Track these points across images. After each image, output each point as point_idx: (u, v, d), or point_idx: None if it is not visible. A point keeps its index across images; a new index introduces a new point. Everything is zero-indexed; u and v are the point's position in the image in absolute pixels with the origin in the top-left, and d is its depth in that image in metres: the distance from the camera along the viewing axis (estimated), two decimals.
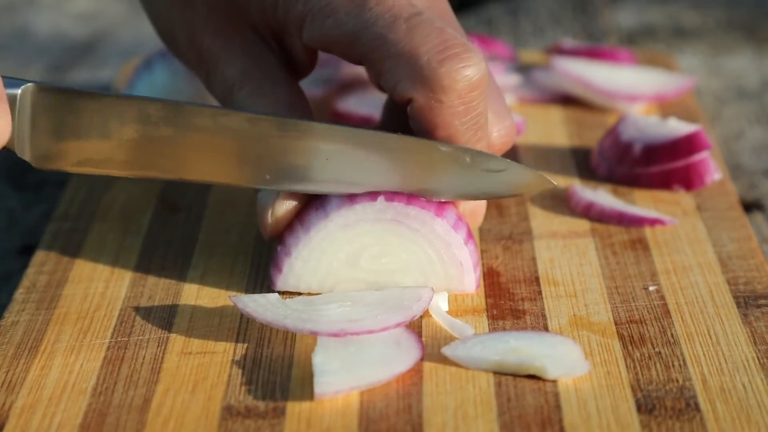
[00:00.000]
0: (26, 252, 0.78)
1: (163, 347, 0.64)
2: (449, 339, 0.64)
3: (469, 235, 0.67)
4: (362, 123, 0.85)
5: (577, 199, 0.76)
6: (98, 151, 0.65)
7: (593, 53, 0.94)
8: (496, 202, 0.76)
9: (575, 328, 0.65)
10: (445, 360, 0.62)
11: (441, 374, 0.61)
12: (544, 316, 0.66)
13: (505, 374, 0.61)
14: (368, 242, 0.66)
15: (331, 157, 0.65)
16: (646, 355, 0.62)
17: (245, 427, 0.58)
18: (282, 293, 0.67)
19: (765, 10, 1.15)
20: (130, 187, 0.78)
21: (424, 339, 0.64)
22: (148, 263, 0.71)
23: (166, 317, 0.66)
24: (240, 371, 0.62)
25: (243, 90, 0.69)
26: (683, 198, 0.77)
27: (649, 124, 0.80)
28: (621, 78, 0.89)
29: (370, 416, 0.58)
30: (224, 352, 0.63)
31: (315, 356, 0.61)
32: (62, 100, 0.65)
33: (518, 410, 0.59)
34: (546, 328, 0.65)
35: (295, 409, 0.59)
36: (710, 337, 0.64)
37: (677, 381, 0.61)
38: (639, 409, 0.59)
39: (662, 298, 0.67)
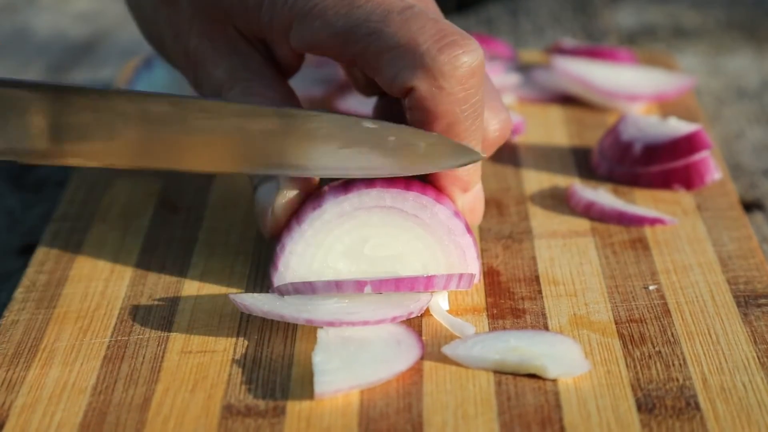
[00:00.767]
0: (26, 252, 0.78)
1: (163, 346, 0.64)
2: (449, 338, 0.64)
3: (469, 228, 0.67)
4: None
5: (577, 199, 0.76)
6: (94, 146, 0.65)
7: (593, 53, 0.94)
8: (496, 202, 0.76)
9: (575, 327, 0.65)
10: (445, 359, 0.62)
11: (441, 373, 0.61)
12: (544, 315, 0.66)
13: (506, 373, 0.61)
14: (368, 233, 0.66)
15: (266, 138, 0.65)
16: (647, 354, 0.62)
17: (245, 426, 0.58)
18: None
19: (765, 10, 1.15)
20: (130, 187, 0.78)
21: (424, 338, 0.64)
22: (147, 263, 0.71)
23: (166, 316, 0.66)
24: (240, 370, 0.62)
25: (232, 90, 0.69)
26: (683, 197, 0.77)
27: (649, 123, 0.80)
28: (621, 78, 0.89)
29: (371, 415, 0.58)
30: (224, 351, 0.63)
31: (315, 355, 0.61)
32: (57, 98, 0.64)
33: (518, 409, 0.59)
34: (546, 328, 0.65)
35: (295, 408, 0.59)
36: (710, 336, 0.64)
37: (677, 380, 0.61)
38: (639, 408, 0.59)
39: (662, 297, 0.67)
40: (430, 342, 0.63)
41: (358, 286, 0.64)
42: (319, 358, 0.61)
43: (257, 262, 0.70)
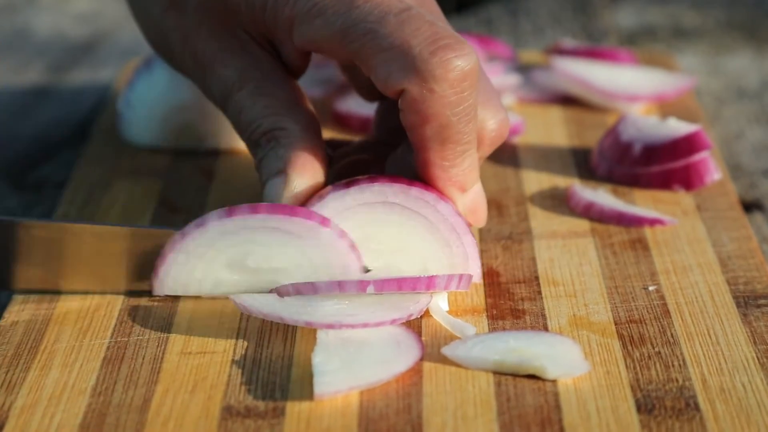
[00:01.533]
0: None
1: (162, 347, 0.64)
2: (449, 339, 0.64)
3: (469, 229, 0.67)
4: (361, 124, 0.85)
5: (577, 199, 0.76)
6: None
7: (593, 53, 0.94)
8: (496, 202, 0.76)
9: (575, 327, 0.65)
10: (444, 360, 0.62)
11: (441, 374, 0.61)
12: (543, 315, 0.66)
13: (505, 374, 0.61)
14: (371, 231, 0.66)
15: None
16: (646, 354, 0.62)
17: (245, 427, 0.58)
18: None
19: (765, 10, 1.15)
20: (130, 187, 0.78)
21: (423, 339, 0.64)
22: None
23: (165, 317, 0.66)
24: (240, 371, 0.62)
25: (242, 90, 0.69)
26: (683, 198, 0.77)
27: (649, 124, 0.80)
28: (621, 78, 0.89)
29: (370, 416, 0.58)
30: (224, 352, 0.63)
31: (315, 356, 0.61)
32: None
33: (518, 410, 0.59)
34: (546, 328, 0.65)
35: (294, 409, 0.59)
36: (710, 336, 0.64)
37: (677, 381, 0.61)
38: (639, 409, 0.59)
39: (662, 298, 0.67)
40: (429, 343, 0.63)
41: (361, 286, 0.64)
42: (318, 359, 0.61)
43: None
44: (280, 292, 0.65)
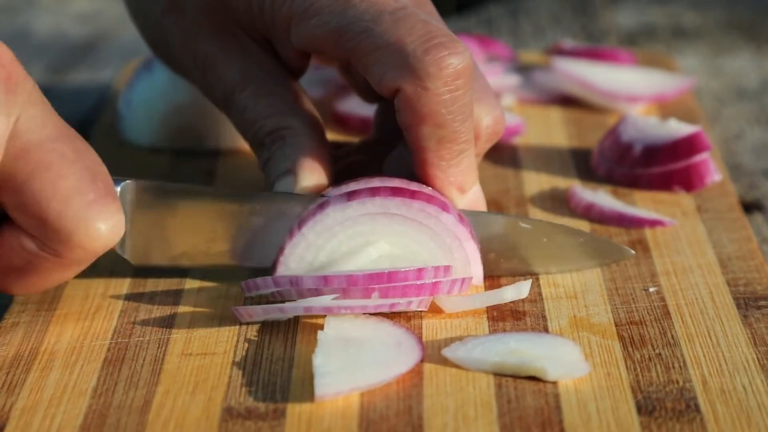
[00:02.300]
0: None
1: (163, 348, 0.64)
2: (449, 340, 0.64)
3: (473, 234, 0.67)
4: (361, 124, 0.85)
5: (577, 200, 0.76)
6: (194, 245, 0.67)
7: (593, 54, 0.94)
8: (496, 203, 0.76)
9: (575, 329, 0.65)
10: (445, 361, 0.62)
11: (441, 375, 0.61)
12: (544, 317, 0.66)
13: (506, 375, 0.61)
14: (374, 239, 0.66)
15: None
16: (647, 356, 0.62)
17: (245, 428, 0.58)
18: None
19: (765, 10, 1.15)
20: None
21: (424, 340, 0.64)
22: None
23: (166, 318, 0.66)
24: (240, 373, 0.62)
25: (245, 90, 0.69)
26: (683, 199, 0.77)
27: (649, 124, 0.80)
28: (621, 78, 0.89)
29: (371, 417, 0.58)
30: (224, 354, 0.63)
31: (315, 357, 0.61)
32: (159, 196, 0.66)
33: (518, 411, 0.59)
34: (546, 330, 0.65)
35: (295, 410, 0.59)
36: (710, 338, 0.64)
37: (677, 382, 0.61)
38: (639, 410, 0.59)
39: (662, 299, 0.67)
40: (430, 344, 0.63)
41: (366, 292, 0.64)
42: (319, 361, 0.61)
43: None
44: (280, 293, 0.65)
